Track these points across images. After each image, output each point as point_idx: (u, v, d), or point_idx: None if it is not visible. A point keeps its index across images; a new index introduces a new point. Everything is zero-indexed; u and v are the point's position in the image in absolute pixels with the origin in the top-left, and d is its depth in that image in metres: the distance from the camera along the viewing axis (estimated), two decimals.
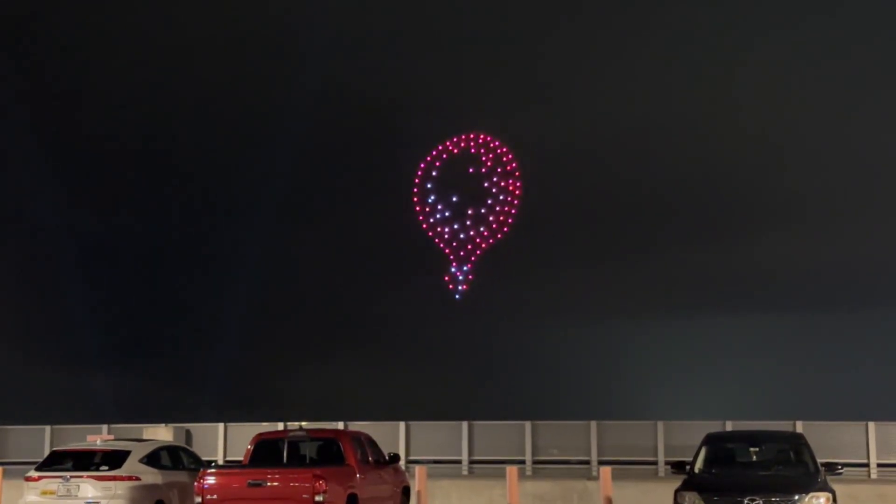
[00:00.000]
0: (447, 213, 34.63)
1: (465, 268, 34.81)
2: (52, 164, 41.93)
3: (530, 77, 38.37)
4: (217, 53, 39.56)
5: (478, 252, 34.80)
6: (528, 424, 36.13)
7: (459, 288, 35.15)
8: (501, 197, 34.54)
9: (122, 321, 41.58)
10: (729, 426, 33.14)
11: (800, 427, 32.86)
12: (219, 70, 39.85)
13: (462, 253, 34.79)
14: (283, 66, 38.89)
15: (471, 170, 34.67)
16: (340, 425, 35.53)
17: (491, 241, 34.70)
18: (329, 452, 24.05)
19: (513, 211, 34.52)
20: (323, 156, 38.49)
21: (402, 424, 36.75)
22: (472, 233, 34.53)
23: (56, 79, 42.05)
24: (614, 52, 38.52)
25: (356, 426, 34.90)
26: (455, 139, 34.85)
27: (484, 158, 34.64)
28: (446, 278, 35.08)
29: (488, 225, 34.59)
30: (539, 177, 37.56)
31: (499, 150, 34.65)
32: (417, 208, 34.88)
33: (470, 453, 36.50)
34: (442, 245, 35.00)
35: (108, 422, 37.65)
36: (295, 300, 40.70)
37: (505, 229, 34.64)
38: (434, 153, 35.03)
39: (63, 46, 41.09)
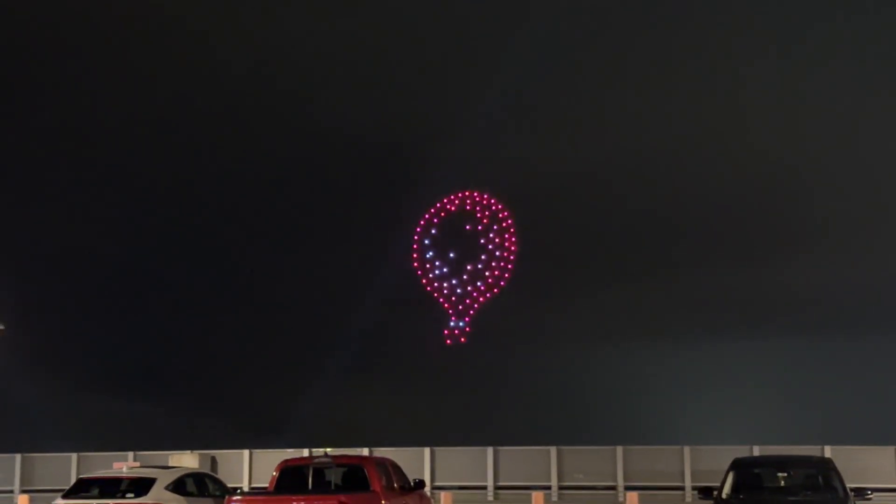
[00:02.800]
0: (445, 270, 35.97)
1: (461, 322, 35.87)
2: (85, 192, 42.44)
3: (535, 104, 38.93)
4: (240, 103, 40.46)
5: (475, 306, 35.91)
6: (553, 450, 35.90)
7: (459, 340, 36.11)
8: (497, 253, 35.79)
9: (148, 349, 41.79)
10: (756, 451, 32.82)
11: (828, 452, 32.49)
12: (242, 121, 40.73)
13: (460, 307, 35.96)
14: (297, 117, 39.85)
15: (467, 227, 35.94)
16: (365, 451, 35.44)
17: (487, 295, 35.84)
18: (354, 479, 23.91)
19: (509, 266, 35.70)
20: (330, 189, 39.44)
21: (427, 450, 36.60)
22: (469, 288, 35.76)
23: (92, 113, 42.68)
24: (622, 77, 38.84)
25: (381, 452, 34.81)
26: (452, 197, 36.15)
27: (480, 216, 35.87)
28: (445, 332, 36.17)
29: (485, 280, 35.78)
30: (555, 204, 38.01)
31: (494, 208, 35.91)
32: (416, 264, 36.24)
33: (495, 479, 36.29)
34: (441, 300, 36.09)
35: (134, 449, 37.68)
36: (319, 329, 40.84)
37: (501, 283, 35.85)
38: (432, 210, 36.31)
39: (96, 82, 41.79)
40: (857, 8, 37.14)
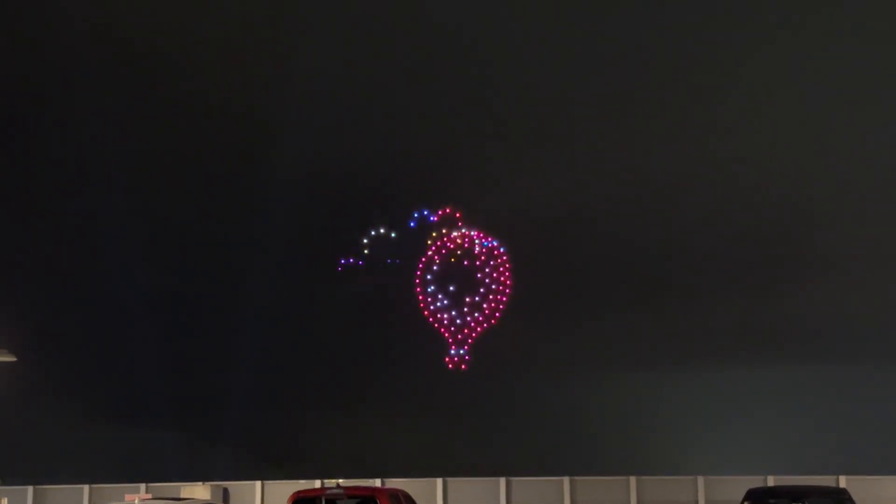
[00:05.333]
0: (446, 302, 38.85)
1: (461, 350, 38.51)
2: (96, 222, 42.67)
3: (529, 144, 39.68)
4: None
5: (473, 335, 38.71)
6: (566, 480, 35.77)
7: (461, 367, 38.61)
8: (493, 286, 38.78)
9: (158, 380, 41.81)
10: (771, 481, 32.64)
11: (843, 482, 32.30)
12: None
13: (459, 336, 38.71)
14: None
15: (465, 263, 38.93)
16: (377, 482, 35.36)
17: (485, 325, 38.72)
18: None
19: (503, 299, 38.65)
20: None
21: (439, 481, 36.51)
22: (468, 319, 38.66)
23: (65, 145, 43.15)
24: (624, 106, 39.19)
25: (393, 483, 34.73)
26: (452, 235, 39.21)
27: (477, 252, 38.99)
28: (446, 359, 38.72)
29: (482, 311, 38.70)
30: (569, 231, 38.60)
31: (490, 245, 39.02)
32: (420, 297, 39.03)
33: None
34: (442, 330, 38.82)
35: (146, 480, 37.63)
36: (332, 359, 40.93)
37: (497, 315, 38.66)
38: (433, 248, 39.23)
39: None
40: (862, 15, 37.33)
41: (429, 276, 39.14)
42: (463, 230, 39.32)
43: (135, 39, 41.27)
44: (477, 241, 39.07)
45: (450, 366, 38.47)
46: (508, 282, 38.80)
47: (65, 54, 41.22)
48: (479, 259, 39.00)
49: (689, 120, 39.28)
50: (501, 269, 38.81)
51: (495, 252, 39.04)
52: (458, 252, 39.18)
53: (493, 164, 40.76)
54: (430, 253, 39.21)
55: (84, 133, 42.68)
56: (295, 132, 40.62)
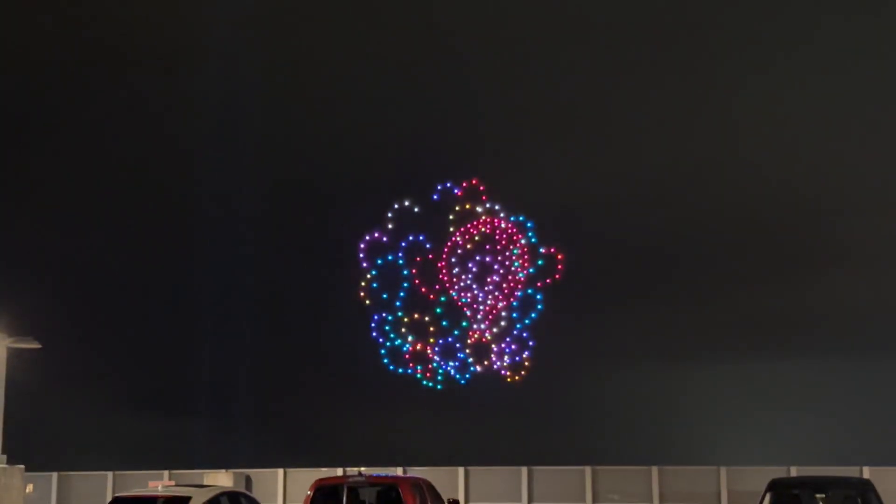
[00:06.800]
0: (469, 281, 40.55)
1: (482, 326, 40.28)
2: (118, 211, 42.90)
3: (555, 124, 39.89)
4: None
5: (494, 312, 40.41)
6: (588, 469, 35.69)
7: (482, 340, 40.23)
8: (513, 268, 40.46)
9: (183, 368, 42.00)
10: (794, 472, 32.46)
11: (867, 473, 32.09)
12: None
13: (479, 315, 40.41)
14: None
15: (487, 247, 40.58)
16: (399, 471, 35.39)
17: (504, 303, 40.44)
18: (389, 498, 23.88)
19: (522, 279, 40.41)
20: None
21: (461, 469, 36.51)
22: (489, 297, 40.49)
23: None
24: (652, 89, 39.14)
25: (415, 471, 34.75)
26: (476, 222, 40.77)
27: (497, 237, 40.68)
28: (470, 333, 40.52)
29: (502, 290, 40.49)
30: (592, 216, 38.84)
31: (510, 230, 40.63)
32: (444, 277, 40.67)
33: (529, 499, 36.13)
34: (465, 308, 40.50)
35: (170, 467, 37.81)
36: (349, 345, 41.06)
37: (517, 293, 40.36)
38: (459, 233, 40.86)
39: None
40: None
41: (453, 259, 40.30)
42: (487, 205, 40.57)
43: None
44: (502, 217, 40.46)
45: (472, 339, 39.76)
46: (527, 264, 40.03)
47: None
48: (501, 243, 40.24)
49: (711, 112, 39.21)
50: (521, 249, 40.11)
51: (514, 238, 40.20)
52: (484, 230, 40.45)
53: (518, 140, 41.14)
54: (455, 237, 40.46)
55: (86, 134, 43.21)
56: (320, 105, 41.13)
